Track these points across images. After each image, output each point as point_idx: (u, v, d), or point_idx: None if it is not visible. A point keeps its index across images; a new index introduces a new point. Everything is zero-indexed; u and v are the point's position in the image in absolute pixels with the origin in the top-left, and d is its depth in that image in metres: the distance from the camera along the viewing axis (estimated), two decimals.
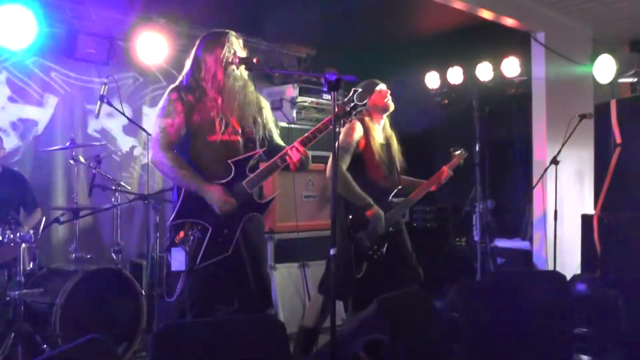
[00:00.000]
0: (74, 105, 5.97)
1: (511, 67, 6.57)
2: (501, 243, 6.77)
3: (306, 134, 3.15)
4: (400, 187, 4.29)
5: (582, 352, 4.36)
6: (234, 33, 3.33)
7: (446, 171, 4.40)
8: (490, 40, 6.70)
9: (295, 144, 3.14)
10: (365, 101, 3.14)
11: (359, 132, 4.10)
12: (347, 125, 4.04)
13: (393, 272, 4.17)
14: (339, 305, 5.13)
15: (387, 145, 4.27)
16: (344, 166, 3.98)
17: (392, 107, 4.26)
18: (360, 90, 3.12)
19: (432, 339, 3.23)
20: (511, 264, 6.58)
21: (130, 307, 4.59)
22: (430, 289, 3.85)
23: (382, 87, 4.25)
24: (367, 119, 4.16)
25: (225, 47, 3.24)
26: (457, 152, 4.52)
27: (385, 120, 4.32)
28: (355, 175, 4.02)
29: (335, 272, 2.75)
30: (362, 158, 4.11)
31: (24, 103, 5.68)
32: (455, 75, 7.08)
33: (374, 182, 4.11)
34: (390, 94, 4.25)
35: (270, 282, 3.42)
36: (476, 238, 6.35)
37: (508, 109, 7.24)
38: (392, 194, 4.20)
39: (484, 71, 6.74)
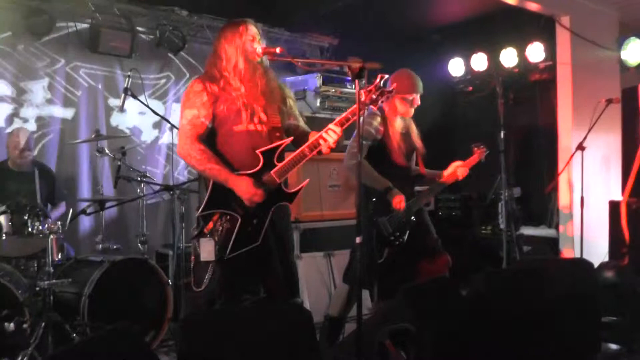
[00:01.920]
0: (98, 98, 6.03)
1: (536, 52, 6.48)
2: (527, 231, 6.71)
3: (340, 117, 3.11)
4: (423, 175, 4.26)
5: (611, 341, 4.31)
6: (250, 20, 3.32)
7: (458, 167, 4.28)
8: (514, 25, 6.62)
9: (331, 125, 3.11)
10: (392, 88, 3.12)
11: (377, 120, 4.08)
12: (365, 114, 4.00)
13: (418, 260, 4.16)
14: (365, 294, 5.13)
15: (406, 133, 4.24)
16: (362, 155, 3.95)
17: (412, 113, 4.22)
18: (387, 76, 3.10)
19: (458, 328, 3.22)
20: (537, 252, 6.52)
21: (156, 297, 4.63)
22: (456, 278, 3.83)
23: (419, 93, 4.18)
24: (386, 107, 4.14)
25: (244, 35, 3.24)
26: (479, 148, 4.39)
27: None
28: (375, 163, 4.02)
29: (360, 260, 2.75)
30: (380, 146, 4.09)
31: (59, 105, 5.80)
32: (480, 61, 7.01)
33: (393, 170, 4.09)
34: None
35: (297, 271, 3.43)
36: (502, 226, 6.29)
37: (533, 95, 7.15)
38: (415, 182, 4.18)
39: (509, 57, 6.67)
